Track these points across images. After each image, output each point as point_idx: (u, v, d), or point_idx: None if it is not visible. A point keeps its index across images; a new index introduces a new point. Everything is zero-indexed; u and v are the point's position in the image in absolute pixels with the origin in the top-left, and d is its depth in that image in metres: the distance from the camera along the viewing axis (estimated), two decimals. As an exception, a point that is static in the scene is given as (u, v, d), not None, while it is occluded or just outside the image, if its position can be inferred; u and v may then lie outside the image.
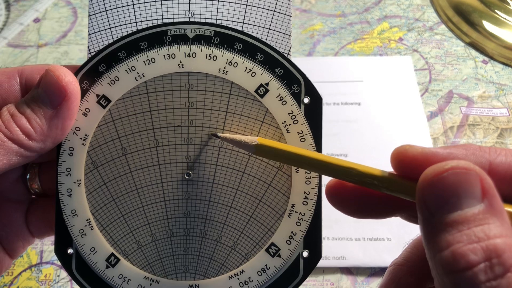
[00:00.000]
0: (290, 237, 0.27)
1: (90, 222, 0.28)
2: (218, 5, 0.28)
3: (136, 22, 0.28)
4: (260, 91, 0.28)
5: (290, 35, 0.28)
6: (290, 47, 0.28)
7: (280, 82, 0.28)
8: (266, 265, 0.27)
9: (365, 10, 0.46)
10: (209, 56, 0.28)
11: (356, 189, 0.23)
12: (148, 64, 0.28)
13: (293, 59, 0.36)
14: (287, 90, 0.28)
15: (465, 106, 0.41)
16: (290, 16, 0.28)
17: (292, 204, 0.28)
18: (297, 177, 0.28)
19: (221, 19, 0.28)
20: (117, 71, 0.28)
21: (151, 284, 0.28)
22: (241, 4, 0.28)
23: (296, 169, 0.28)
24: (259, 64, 0.28)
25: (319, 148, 0.28)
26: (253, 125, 0.28)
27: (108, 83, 0.28)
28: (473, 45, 0.43)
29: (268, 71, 0.28)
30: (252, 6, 0.28)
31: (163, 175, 0.28)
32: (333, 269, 0.32)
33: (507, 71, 0.42)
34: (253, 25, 0.28)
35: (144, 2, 0.28)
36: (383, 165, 0.23)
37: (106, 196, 0.28)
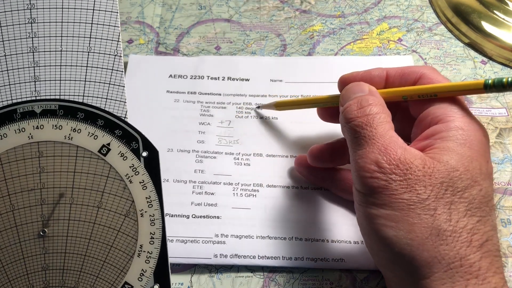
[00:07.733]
0: (141, 274, 0.31)
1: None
2: (60, 83, 0.33)
3: (-13, 105, 0.32)
4: (103, 151, 0.32)
5: (125, 102, 0.34)
6: (126, 111, 0.33)
7: (120, 141, 0.33)
8: (122, 303, 0.31)
9: (365, 11, 0.45)
10: (55, 126, 0.32)
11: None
12: (1, 139, 0.32)
13: (293, 59, 0.41)
14: (127, 147, 0.33)
15: (464, 106, 0.40)
16: (124, 86, 0.34)
17: (140, 245, 0.31)
18: (142, 221, 0.32)
19: (64, 95, 0.33)
20: (-28, 148, 0.31)
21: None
22: (80, 80, 0.33)
23: (141, 213, 0.32)
24: (100, 128, 0.33)
25: (159, 193, 0.32)
26: (99, 180, 0.32)
27: (-36, 159, 0.31)
28: (472, 45, 0.43)
29: (108, 133, 0.33)
30: (90, 81, 0.33)
31: (20, 235, 0.31)
32: (333, 269, 0.32)
33: (506, 72, 0.41)
34: (92, 96, 0.33)
35: (-6, 87, 0.33)
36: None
37: (-32, 263, 0.30)
